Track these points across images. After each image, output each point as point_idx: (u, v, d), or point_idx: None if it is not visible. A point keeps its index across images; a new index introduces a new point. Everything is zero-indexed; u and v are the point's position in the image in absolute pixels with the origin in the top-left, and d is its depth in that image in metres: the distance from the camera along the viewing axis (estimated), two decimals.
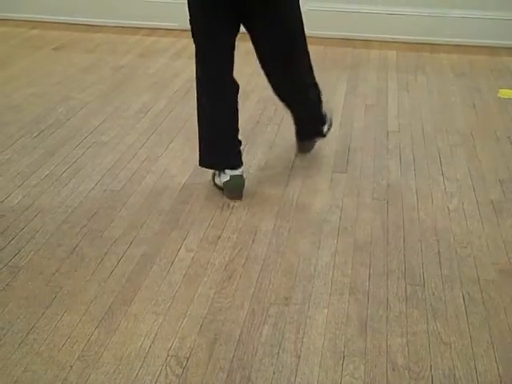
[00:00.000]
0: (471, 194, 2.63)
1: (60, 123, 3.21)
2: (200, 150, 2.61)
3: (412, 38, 4.47)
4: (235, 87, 2.54)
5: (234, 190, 2.57)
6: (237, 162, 2.58)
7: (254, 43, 2.49)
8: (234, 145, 2.60)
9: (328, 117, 2.89)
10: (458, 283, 2.12)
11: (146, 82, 3.75)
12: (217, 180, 2.64)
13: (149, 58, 4.15)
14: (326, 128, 2.87)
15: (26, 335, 1.88)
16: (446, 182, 2.73)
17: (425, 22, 4.42)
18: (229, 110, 2.55)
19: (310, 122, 2.83)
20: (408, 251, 2.28)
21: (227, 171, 2.56)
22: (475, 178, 2.75)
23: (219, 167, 2.60)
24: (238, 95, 2.55)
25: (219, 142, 2.58)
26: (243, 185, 2.59)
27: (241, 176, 2.58)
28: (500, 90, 3.69)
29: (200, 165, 2.63)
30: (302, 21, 2.47)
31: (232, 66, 2.50)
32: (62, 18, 4.77)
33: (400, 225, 2.43)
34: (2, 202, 2.54)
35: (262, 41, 2.47)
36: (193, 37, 2.43)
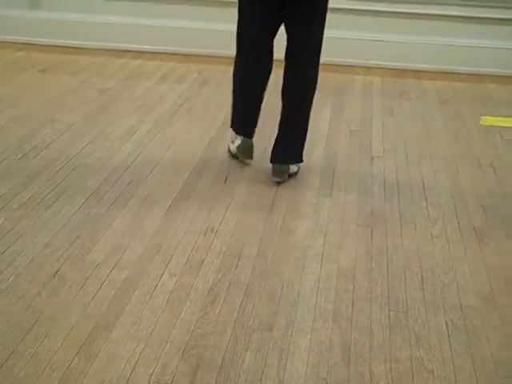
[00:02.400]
0: (454, 220, 2.65)
1: (44, 145, 3.19)
2: (232, 116, 3.09)
3: (396, 64, 4.52)
4: (269, 69, 2.94)
5: (247, 151, 3.02)
6: (251, 133, 3.03)
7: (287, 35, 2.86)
8: (255, 118, 3.04)
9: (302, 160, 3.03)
10: (442, 310, 2.12)
11: (132, 105, 3.76)
12: (231, 147, 3.11)
13: (134, 81, 4.16)
14: (296, 167, 3.01)
15: (5, 360, 1.85)
16: (429, 207, 2.74)
17: (409, 48, 4.47)
18: (260, 89, 2.98)
19: (292, 140, 2.95)
20: (391, 277, 2.28)
21: (240, 137, 3.02)
22: (458, 204, 2.77)
23: (238, 132, 3.05)
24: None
25: (245, 113, 3.05)
26: (253, 147, 3.03)
27: (250, 140, 3.03)
28: (482, 117, 3.73)
29: (231, 126, 3.11)
30: (322, 35, 2.92)
31: (271, 51, 2.91)
32: (47, 41, 4.77)
33: (384, 251, 2.44)
34: None
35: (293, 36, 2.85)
36: (238, 27, 2.88)
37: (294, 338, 1.98)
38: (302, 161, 2.99)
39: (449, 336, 2.01)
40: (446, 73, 4.45)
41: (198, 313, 2.07)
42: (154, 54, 4.65)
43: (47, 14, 4.77)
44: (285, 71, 2.90)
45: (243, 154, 3.05)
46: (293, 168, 2.96)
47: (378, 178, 2.98)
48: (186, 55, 4.62)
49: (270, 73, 2.95)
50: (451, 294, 2.20)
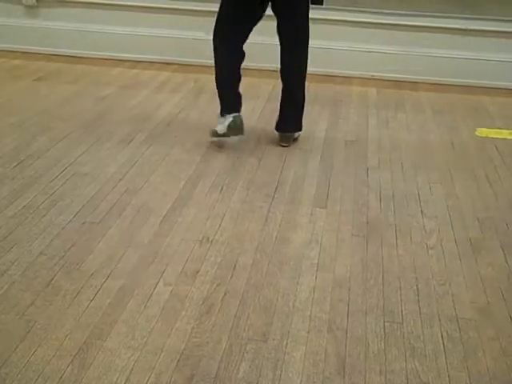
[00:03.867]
0: (449, 232, 2.65)
1: (40, 153, 3.19)
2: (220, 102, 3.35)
3: (392, 75, 4.54)
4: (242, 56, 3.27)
5: (237, 127, 3.27)
6: (238, 108, 3.30)
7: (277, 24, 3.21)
8: (237, 96, 3.31)
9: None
10: (437, 321, 2.12)
11: (128, 114, 3.75)
12: (219, 128, 3.29)
13: (131, 90, 4.16)
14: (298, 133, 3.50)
15: None
16: (424, 219, 2.74)
17: (405, 60, 4.49)
18: (236, 72, 3.29)
19: (292, 112, 3.38)
20: (387, 288, 2.28)
21: (229, 116, 3.26)
22: (454, 216, 2.77)
23: (226, 111, 3.29)
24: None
25: (226, 94, 3.31)
26: (242, 121, 3.28)
27: (239, 115, 3.28)
28: (478, 129, 3.74)
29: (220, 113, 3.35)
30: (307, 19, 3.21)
31: (245, 41, 3.24)
32: (44, 49, 4.78)
33: (379, 261, 2.43)
34: None
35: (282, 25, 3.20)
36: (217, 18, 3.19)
37: (288, 348, 1.98)
38: (301, 129, 3.46)
39: (444, 348, 2.00)
40: (442, 84, 4.47)
41: (193, 322, 2.06)
42: (150, 64, 4.65)
43: (43, 22, 4.78)
44: (281, 56, 3.26)
45: (235, 131, 3.28)
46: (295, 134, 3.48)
47: (373, 189, 2.98)
48: (181, 65, 4.63)
49: (244, 54, 3.27)
50: (447, 306, 2.19)
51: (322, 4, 4.19)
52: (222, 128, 3.30)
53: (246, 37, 3.24)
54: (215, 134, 3.34)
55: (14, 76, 4.34)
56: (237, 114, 3.28)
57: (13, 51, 4.78)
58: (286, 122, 3.42)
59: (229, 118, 3.26)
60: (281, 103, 3.40)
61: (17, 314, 2.06)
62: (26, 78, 4.31)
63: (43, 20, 4.78)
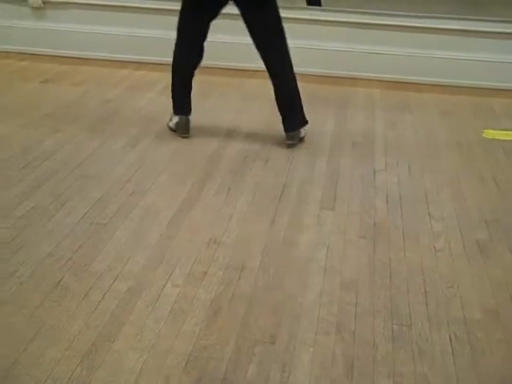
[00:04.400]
0: (457, 234, 2.65)
1: (47, 155, 3.20)
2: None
3: (397, 76, 4.53)
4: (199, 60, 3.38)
5: (183, 128, 3.47)
6: (187, 111, 3.48)
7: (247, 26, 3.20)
8: (188, 97, 3.46)
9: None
10: (445, 324, 2.11)
11: (134, 116, 3.76)
12: (170, 124, 3.53)
13: (137, 92, 4.16)
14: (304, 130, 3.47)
15: (8, 370, 1.84)
16: (432, 221, 2.74)
17: (410, 61, 4.49)
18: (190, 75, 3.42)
19: (292, 109, 3.38)
20: (394, 290, 2.28)
21: (177, 116, 3.48)
22: (461, 218, 2.77)
23: (176, 112, 3.49)
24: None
25: (178, 95, 3.47)
26: (189, 122, 3.48)
27: (187, 117, 3.47)
28: (484, 131, 3.74)
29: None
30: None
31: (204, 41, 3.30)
32: (51, 51, 4.79)
33: (387, 264, 2.43)
34: None
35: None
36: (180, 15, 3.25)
37: (296, 350, 1.98)
38: (306, 123, 3.46)
39: (452, 350, 2.00)
40: (447, 86, 4.47)
41: (201, 324, 2.07)
42: (156, 65, 4.65)
43: (50, 24, 4.78)
44: (261, 57, 3.25)
45: (179, 130, 3.49)
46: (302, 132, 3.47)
47: (380, 191, 2.98)
48: None
49: (201, 56, 3.37)
50: (455, 308, 2.19)
51: (320, 5, 4.16)
52: (172, 126, 3.53)
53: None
54: (170, 128, 3.57)
55: (21, 78, 4.35)
56: (183, 114, 3.47)
57: (20, 53, 4.79)
58: (290, 120, 3.42)
59: (176, 119, 3.48)
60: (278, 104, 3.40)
61: (26, 315, 2.07)
62: (34, 79, 4.32)
63: (50, 22, 4.79)
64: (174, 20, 4.64)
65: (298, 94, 3.38)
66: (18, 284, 2.22)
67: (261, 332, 2.05)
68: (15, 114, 3.70)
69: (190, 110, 3.50)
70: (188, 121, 3.48)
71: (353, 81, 4.52)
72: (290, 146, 3.41)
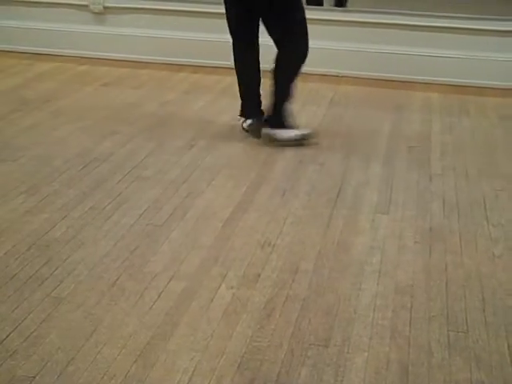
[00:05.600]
0: None
1: (105, 157, 3.26)
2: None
3: (455, 80, 4.45)
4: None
5: (253, 134, 3.48)
6: (258, 113, 3.49)
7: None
8: (258, 100, 3.50)
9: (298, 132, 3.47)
10: (503, 332, 2.07)
11: (190, 119, 3.80)
12: (244, 124, 3.53)
13: (194, 95, 4.21)
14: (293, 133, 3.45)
15: (66, 367, 1.88)
16: (490, 226, 2.69)
17: (468, 64, 4.41)
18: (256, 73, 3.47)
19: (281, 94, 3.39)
20: (451, 296, 2.24)
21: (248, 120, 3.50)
22: None
23: (246, 116, 3.52)
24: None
25: (248, 97, 3.52)
26: (261, 127, 3.45)
27: (259, 121, 3.46)
28: None
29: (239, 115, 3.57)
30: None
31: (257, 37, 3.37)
32: (110, 55, 4.89)
33: (443, 269, 2.39)
34: (47, 232, 2.58)
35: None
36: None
37: (350, 354, 1.96)
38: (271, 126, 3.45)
39: (511, 359, 1.95)
40: (506, 89, 4.37)
41: (254, 326, 2.07)
42: (213, 69, 4.70)
43: (110, 28, 4.89)
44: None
45: (251, 134, 3.49)
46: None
47: (436, 196, 2.94)
48: None
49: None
50: None
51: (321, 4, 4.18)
52: (245, 126, 3.54)
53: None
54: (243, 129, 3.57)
55: (81, 81, 4.45)
56: (254, 118, 3.49)
57: (80, 57, 4.90)
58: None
59: (248, 122, 3.50)
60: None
61: (83, 313, 2.11)
62: (93, 83, 4.42)
63: (110, 26, 4.89)
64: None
65: (283, 92, 3.39)
66: (76, 283, 2.27)
67: (314, 335, 2.04)
68: (75, 117, 3.78)
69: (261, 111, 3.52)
70: (261, 125, 3.47)
71: (410, 84, 4.46)
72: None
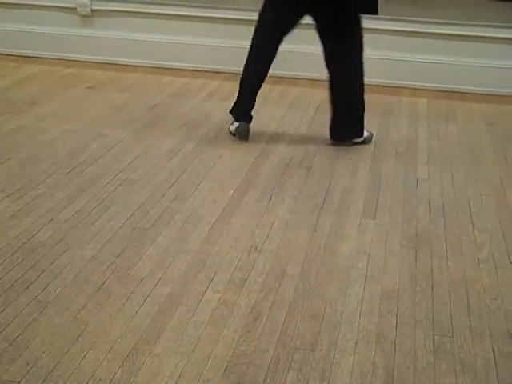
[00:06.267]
0: (502, 245, 2.60)
1: (92, 160, 3.25)
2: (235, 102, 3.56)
3: (443, 86, 4.49)
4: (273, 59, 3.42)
5: (241, 136, 3.50)
6: (247, 118, 3.53)
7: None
8: (252, 104, 3.52)
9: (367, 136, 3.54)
10: (488, 336, 2.08)
11: (178, 122, 3.80)
12: (231, 128, 3.56)
13: (181, 99, 4.21)
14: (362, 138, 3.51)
15: (51, 371, 1.87)
16: (475, 231, 2.70)
17: (455, 70, 4.44)
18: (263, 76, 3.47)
19: (348, 117, 3.44)
20: (436, 301, 2.25)
21: (237, 122, 3.51)
22: (506, 229, 2.72)
23: (236, 118, 3.53)
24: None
25: (244, 99, 3.52)
26: (249, 130, 3.50)
27: (246, 124, 3.49)
28: None
29: (229, 111, 3.59)
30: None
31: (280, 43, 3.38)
32: (97, 58, 4.88)
33: (428, 273, 2.41)
34: (33, 236, 2.56)
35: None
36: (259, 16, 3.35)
37: (336, 359, 1.97)
38: (362, 135, 3.51)
39: (495, 364, 1.97)
40: (493, 95, 4.40)
41: (241, 330, 2.07)
42: (200, 72, 4.70)
43: (97, 31, 4.88)
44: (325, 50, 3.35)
45: (239, 136, 3.52)
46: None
47: (423, 201, 2.95)
48: (232, 73, 4.65)
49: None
50: (498, 321, 2.15)
51: (376, 14, 4.12)
52: (232, 130, 3.57)
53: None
54: (230, 132, 3.60)
55: (67, 84, 4.44)
56: (243, 121, 3.51)
57: (68, 60, 4.89)
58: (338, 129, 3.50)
59: (235, 125, 3.52)
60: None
61: (69, 317, 2.10)
62: (80, 86, 4.41)
63: (97, 29, 4.88)
64: (219, 27, 4.68)
65: (359, 104, 3.42)
66: (61, 286, 2.26)
67: (300, 339, 2.04)
68: (62, 120, 3.77)
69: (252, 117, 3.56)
70: (248, 128, 3.52)
71: (397, 90, 4.49)
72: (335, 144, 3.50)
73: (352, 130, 3.49)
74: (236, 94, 3.55)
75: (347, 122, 3.46)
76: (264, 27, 3.37)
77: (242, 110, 3.53)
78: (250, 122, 3.54)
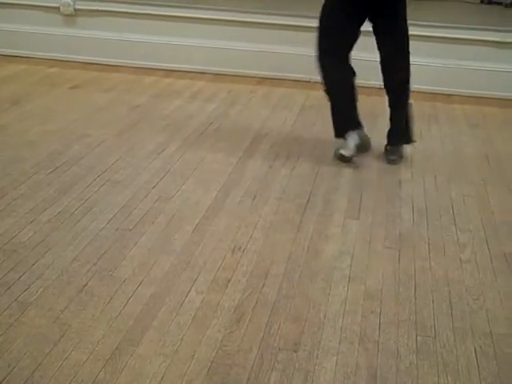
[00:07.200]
0: (484, 246, 2.62)
1: (75, 160, 3.23)
2: (334, 123, 3.30)
3: (425, 87, 4.50)
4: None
5: (366, 145, 3.22)
6: (361, 124, 3.25)
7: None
8: (356, 110, 3.27)
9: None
10: (470, 336, 2.09)
11: (161, 123, 3.79)
12: (345, 152, 3.26)
13: (164, 99, 4.19)
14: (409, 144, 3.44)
15: (32, 373, 1.86)
16: (458, 232, 2.72)
17: (439, 72, 4.46)
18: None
19: (401, 123, 3.37)
20: (419, 301, 2.26)
21: (353, 133, 3.20)
22: (488, 230, 2.74)
23: (351, 129, 3.21)
24: None
25: (346, 110, 3.27)
26: (368, 136, 3.23)
27: (363, 131, 3.23)
28: None
29: (336, 136, 3.30)
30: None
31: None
32: (80, 57, 4.85)
33: (411, 274, 2.41)
34: (14, 237, 2.54)
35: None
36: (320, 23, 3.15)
37: (319, 359, 1.97)
38: (410, 142, 3.42)
39: (478, 363, 1.98)
40: (476, 97, 4.43)
41: (224, 331, 2.07)
42: (184, 73, 4.69)
43: (80, 31, 4.85)
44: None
45: (363, 148, 3.23)
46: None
47: (406, 202, 2.96)
48: (215, 74, 4.66)
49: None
50: (480, 321, 2.17)
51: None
52: (349, 151, 3.26)
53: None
54: (343, 158, 3.31)
55: (50, 84, 4.41)
56: (360, 129, 3.23)
57: (50, 59, 4.86)
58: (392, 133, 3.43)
59: (354, 137, 3.20)
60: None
61: (51, 318, 2.09)
62: (63, 85, 4.38)
63: (80, 29, 4.85)
64: (202, 28, 4.67)
65: (406, 109, 3.39)
66: (43, 287, 2.24)
67: (284, 340, 2.04)
68: (44, 120, 3.74)
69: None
70: (366, 133, 3.26)
71: (381, 91, 4.49)
72: (390, 162, 3.36)
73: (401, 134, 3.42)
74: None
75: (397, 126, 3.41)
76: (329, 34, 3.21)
77: (349, 119, 3.28)
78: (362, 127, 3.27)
